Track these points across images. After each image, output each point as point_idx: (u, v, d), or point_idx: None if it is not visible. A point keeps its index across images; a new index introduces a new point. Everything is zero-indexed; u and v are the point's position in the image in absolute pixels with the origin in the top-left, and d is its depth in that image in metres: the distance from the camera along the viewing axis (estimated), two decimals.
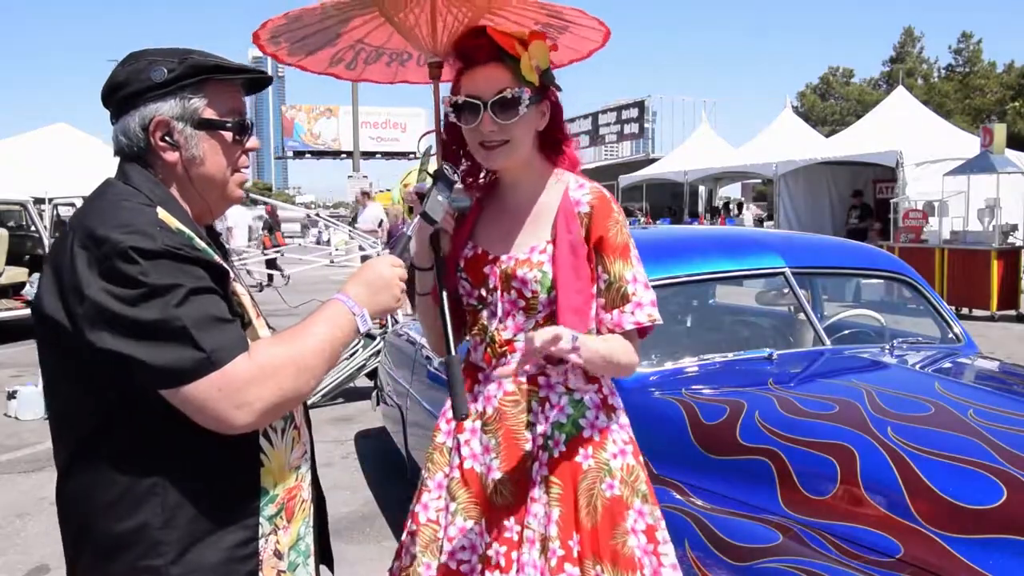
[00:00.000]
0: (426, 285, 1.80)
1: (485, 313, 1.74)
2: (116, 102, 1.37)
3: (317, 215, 13.67)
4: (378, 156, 42.96)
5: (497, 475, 1.68)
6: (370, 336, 6.57)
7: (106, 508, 1.29)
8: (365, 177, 21.95)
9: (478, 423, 1.72)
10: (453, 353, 1.65)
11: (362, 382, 6.63)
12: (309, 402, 6.03)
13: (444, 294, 1.70)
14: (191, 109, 1.36)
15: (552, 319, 1.66)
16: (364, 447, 5.59)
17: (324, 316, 1.38)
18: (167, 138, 1.36)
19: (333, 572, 1.60)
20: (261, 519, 1.37)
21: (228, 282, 1.35)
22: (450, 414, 1.70)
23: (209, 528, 1.31)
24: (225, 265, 1.36)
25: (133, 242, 1.21)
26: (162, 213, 1.30)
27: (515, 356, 1.69)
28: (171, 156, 1.37)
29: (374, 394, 5.39)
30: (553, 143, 1.77)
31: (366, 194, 11.98)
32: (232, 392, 1.23)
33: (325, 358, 1.35)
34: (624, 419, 1.78)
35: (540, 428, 1.68)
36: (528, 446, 1.69)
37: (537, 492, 1.66)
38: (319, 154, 43.04)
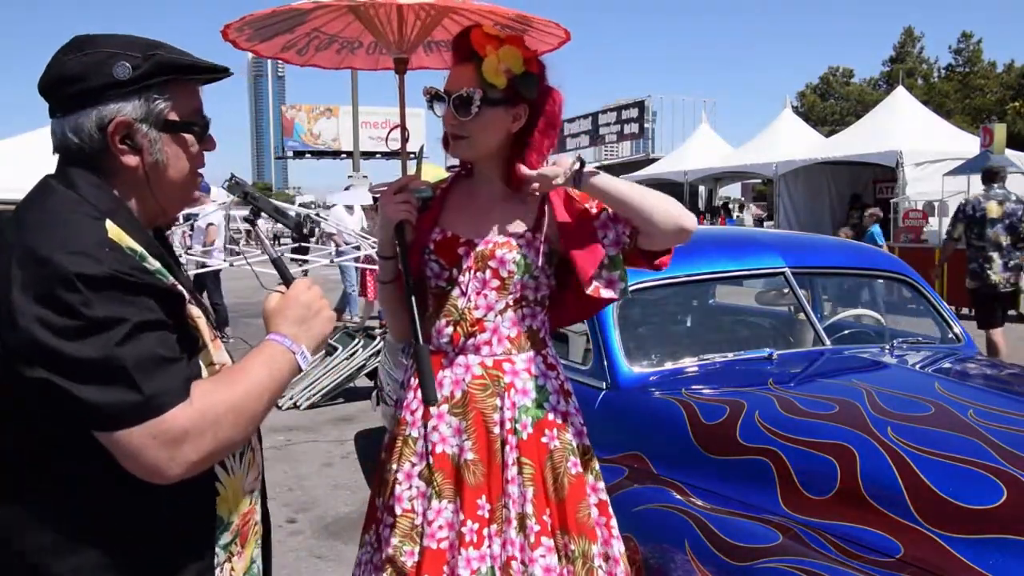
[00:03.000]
0: (388, 273, 1.90)
1: (455, 292, 1.81)
2: (65, 96, 1.23)
3: (317, 215, 13.65)
4: (378, 156, 42.91)
5: (469, 456, 1.75)
6: (370, 336, 6.58)
7: (47, 547, 1.17)
8: (365, 177, 21.90)
9: (445, 407, 1.78)
10: (421, 341, 1.75)
11: (362, 382, 6.63)
12: (309, 403, 6.00)
13: (410, 282, 1.79)
14: (156, 111, 1.25)
15: (521, 301, 1.80)
16: (364, 447, 5.59)
17: (262, 359, 1.28)
18: (128, 141, 1.24)
19: None
20: (217, 548, 1.29)
21: (183, 306, 1.24)
22: (415, 404, 1.82)
23: (165, 564, 1.23)
24: (180, 287, 1.24)
25: (78, 267, 1.09)
26: (112, 229, 1.18)
27: (483, 334, 1.79)
28: (131, 160, 1.25)
29: (374, 394, 5.39)
30: (517, 150, 1.80)
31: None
32: (168, 441, 1.12)
33: (264, 403, 1.26)
34: (576, 403, 1.91)
35: (508, 412, 1.77)
36: (497, 429, 1.77)
37: (511, 473, 1.75)
38: (319, 154, 43.03)
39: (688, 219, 1.77)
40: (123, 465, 1.14)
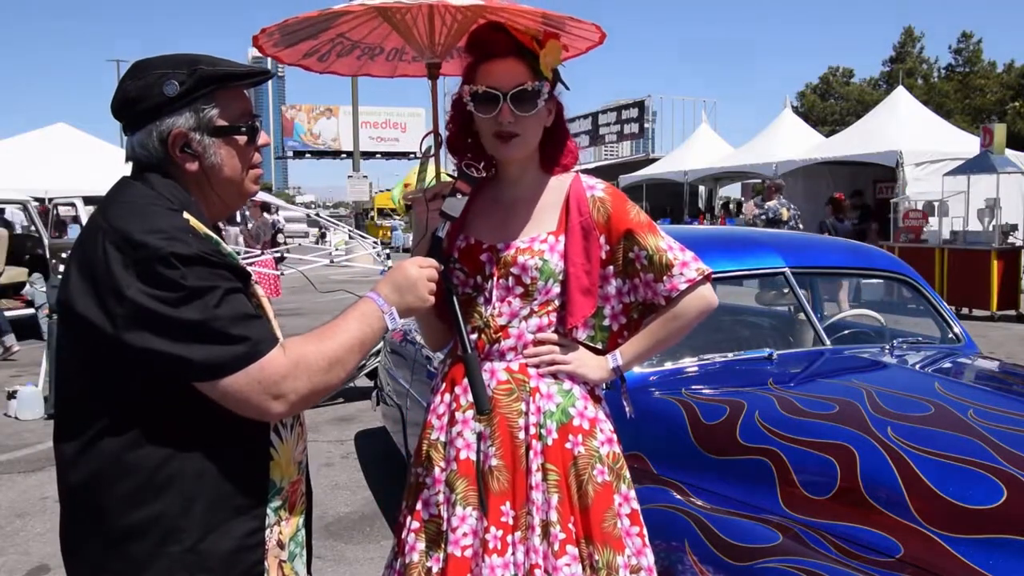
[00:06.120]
0: None
1: (480, 300, 1.79)
2: (130, 117, 1.41)
3: (317, 215, 13.67)
4: (378, 156, 42.95)
5: (493, 462, 1.72)
6: None
7: (124, 497, 1.33)
8: (365, 177, 21.93)
9: (469, 413, 1.76)
10: (469, 351, 1.72)
11: (362, 382, 6.63)
12: None
13: (455, 293, 1.76)
14: (206, 119, 1.41)
15: (548, 305, 1.76)
16: (364, 447, 5.59)
17: (355, 313, 1.48)
18: (186, 149, 1.41)
19: (310, 564, 1.62)
20: (268, 510, 1.43)
21: (249, 284, 1.43)
22: (441, 408, 1.81)
23: (223, 517, 1.37)
24: (247, 269, 1.43)
25: (171, 247, 1.27)
26: (189, 219, 1.36)
27: (508, 340, 1.77)
28: (191, 165, 1.42)
29: (374, 394, 5.39)
30: (556, 140, 1.81)
31: None
32: (269, 384, 1.31)
33: (355, 352, 1.43)
34: (607, 409, 1.86)
35: (532, 417, 1.74)
36: (522, 435, 1.74)
37: (535, 479, 1.72)
38: (319, 154, 43.08)
39: (709, 302, 1.80)
40: (233, 410, 1.32)
